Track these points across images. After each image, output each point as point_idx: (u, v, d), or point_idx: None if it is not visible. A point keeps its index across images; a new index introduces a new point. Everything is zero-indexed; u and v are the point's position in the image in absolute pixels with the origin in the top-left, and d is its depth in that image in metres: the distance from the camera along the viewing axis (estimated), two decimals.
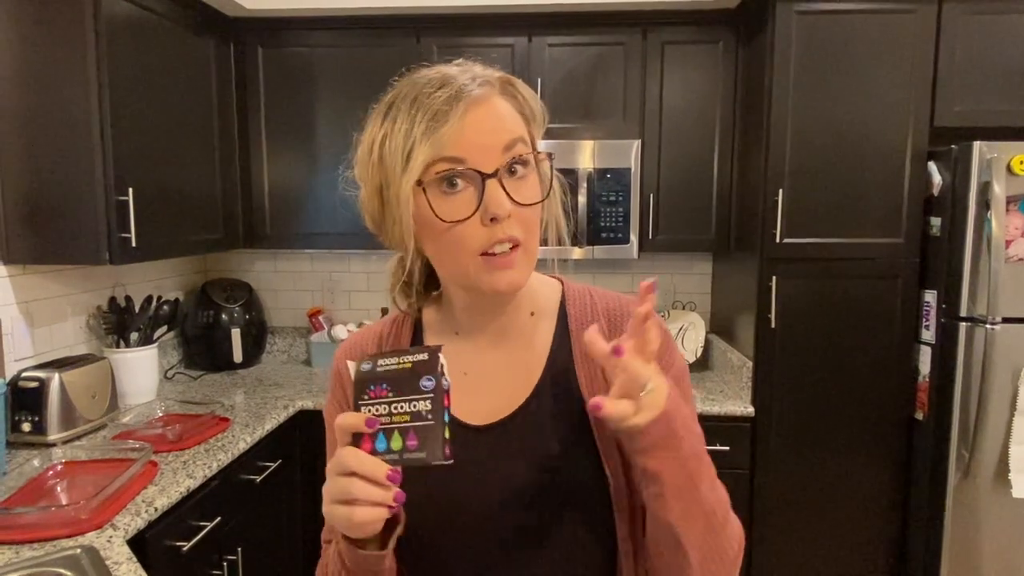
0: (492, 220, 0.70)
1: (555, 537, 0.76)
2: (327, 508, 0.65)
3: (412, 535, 0.76)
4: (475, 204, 0.70)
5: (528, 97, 0.76)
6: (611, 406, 0.63)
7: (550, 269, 0.88)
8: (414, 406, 0.64)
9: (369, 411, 0.65)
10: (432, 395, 0.64)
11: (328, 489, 0.65)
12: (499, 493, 0.76)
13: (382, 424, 0.65)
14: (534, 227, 0.74)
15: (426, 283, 0.86)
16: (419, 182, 0.70)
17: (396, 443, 0.64)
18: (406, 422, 0.64)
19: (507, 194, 0.70)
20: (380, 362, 0.67)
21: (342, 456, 0.64)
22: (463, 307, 0.82)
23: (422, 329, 0.87)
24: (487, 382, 0.81)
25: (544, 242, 0.77)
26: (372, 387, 0.66)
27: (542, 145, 2.50)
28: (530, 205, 0.72)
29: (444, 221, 0.70)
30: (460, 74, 0.71)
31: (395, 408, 0.65)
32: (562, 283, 0.87)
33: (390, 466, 0.63)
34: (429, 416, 0.64)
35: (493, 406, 0.80)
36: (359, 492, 0.63)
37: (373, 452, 0.64)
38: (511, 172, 0.71)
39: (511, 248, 0.71)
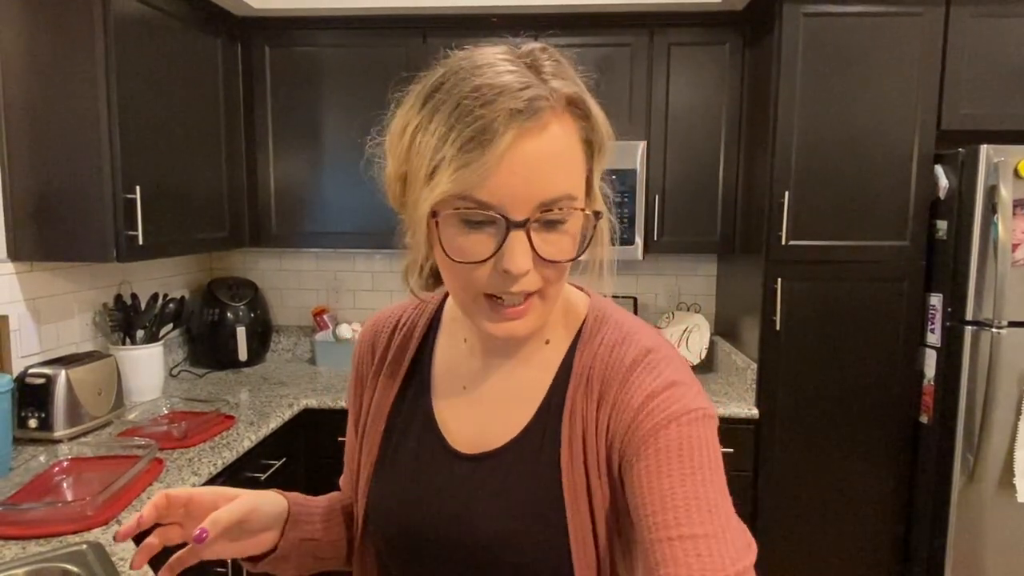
0: (506, 272, 0.61)
1: None
2: None
3: (387, 542, 0.77)
4: (492, 249, 0.61)
5: (599, 122, 0.64)
6: None
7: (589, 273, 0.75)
8: None
9: None
10: None
11: None
12: (465, 529, 0.71)
13: None
14: (557, 279, 0.65)
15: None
16: (434, 213, 0.61)
17: None
18: None
19: (533, 248, 0.61)
20: None
21: None
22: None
23: (439, 324, 0.82)
24: (484, 404, 0.76)
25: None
26: None
27: None
28: (555, 263, 0.63)
29: (454, 260, 0.62)
30: (518, 82, 0.59)
31: None
32: (589, 299, 0.78)
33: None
34: None
35: (483, 433, 0.74)
36: None
37: None
38: (546, 225, 0.62)
39: (525, 297, 0.64)
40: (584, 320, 0.75)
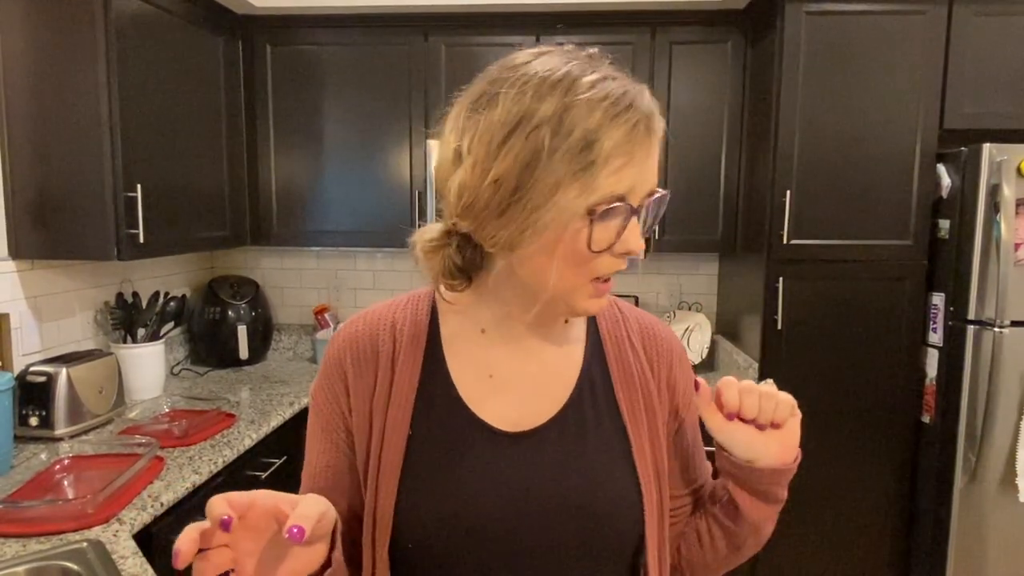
0: (629, 253, 0.69)
1: (578, 559, 0.74)
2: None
3: (424, 546, 0.72)
4: (615, 235, 0.67)
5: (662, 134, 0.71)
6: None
7: None
8: None
9: None
10: None
11: None
12: (526, 505, 0.72)
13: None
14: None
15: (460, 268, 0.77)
16: (591, 211, 0.65)
17: None
18: None
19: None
20: None
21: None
22: (508, 307, 0.77)
23: (437, 320, 0.80)
24: (516, 387, 0.78)
25: None
26: None
27: None
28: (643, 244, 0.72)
29: (592, 251, 0.67)
30: (639, 95, 0.67)
31: None
32: None
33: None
34: None
35: (523, 413, 0.76)
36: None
37: None
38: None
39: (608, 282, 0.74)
40: None
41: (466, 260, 0.74)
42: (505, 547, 0.72)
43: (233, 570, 0.59)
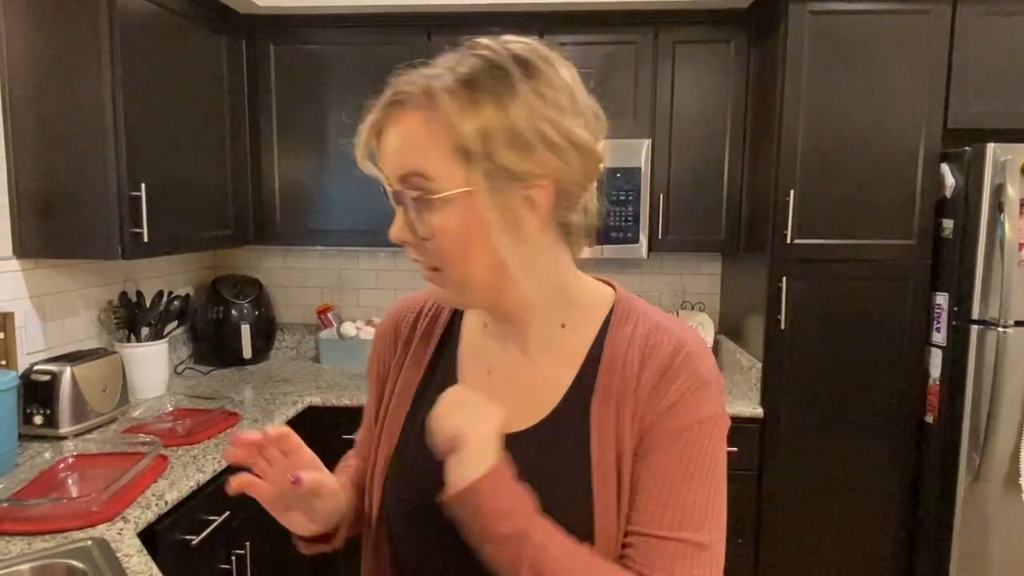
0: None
1: None
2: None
3: (396, 515, 0.79)
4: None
5: (451, 114, 0.65)
6: None
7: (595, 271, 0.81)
8: None
9: None
10: None
11: None
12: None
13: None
14: (450, 259, 0.69)
15: None
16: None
17: None
18: None
19: (404, 222, 0.70)
20: None
21: None
22: None
23: (462, 321, 0.84)
24: (508, 388, 0.77)
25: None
26: None
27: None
28: (403, 242, 0.71)
29: None
30: (412, 73, 0.69)
31: None
32: (615, 292, 0.80)
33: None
34: None
35: (513, 416, 0.75)
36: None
37: None
38: (399, 202, 0.70)
39: (431, 271, 0.72)
40: (612, 310, 0.77)
41: None
42: (453, 542, 0.70)
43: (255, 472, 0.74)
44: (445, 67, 0.67)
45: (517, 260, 0.69)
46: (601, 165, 0.72)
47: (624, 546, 0.70)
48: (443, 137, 0.65)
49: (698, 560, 0.67)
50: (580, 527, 0.69)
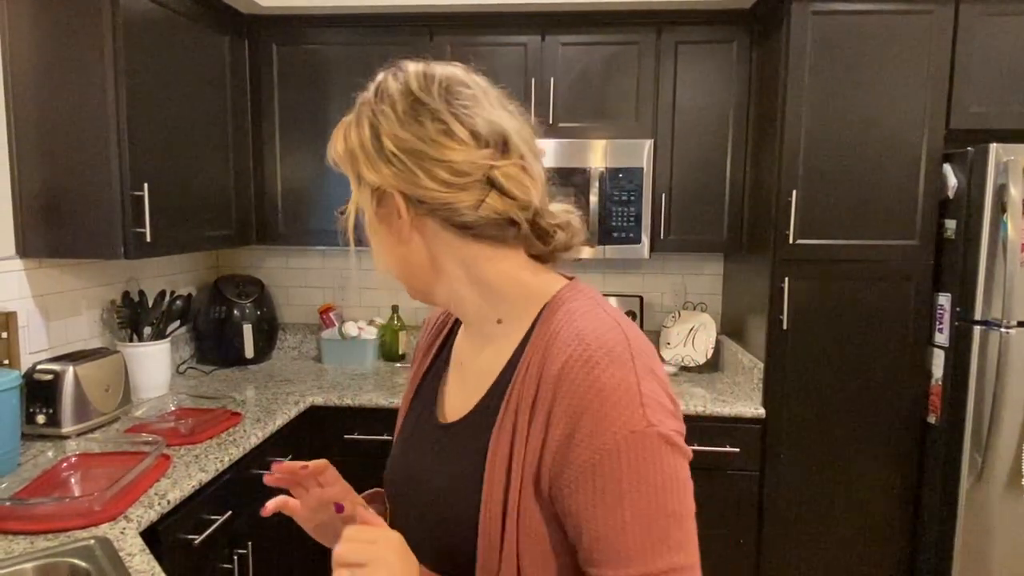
0: None
1: (430, 546, 0.76)
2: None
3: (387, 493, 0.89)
4: None
5: (339, 141, 0.84)
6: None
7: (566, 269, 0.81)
8: None
9: None
10: None
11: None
12: (414, 493, 0.80)
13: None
14: (375, 253, 0.80)
15: None
16: None
17: None
18: None
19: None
20: None
21: None
22: None
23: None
24: (463, 380, 0.82)
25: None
26: None
27: (551, 144, 2.44)
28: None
29: None
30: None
31: None
32: (560, 288, 0.77)
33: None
34: None
35: (453, 406, 0.82)
36: None
37: None
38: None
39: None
40: (544, 306, 0.75)
41: None
42: (409, 516, 0.81)
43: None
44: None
45: (397, 259, 0.78)
46: (463, 166, 0.70)
47: None
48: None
49: None
50: (463, 519, 0.72)
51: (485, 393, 0.77)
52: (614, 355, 0.66)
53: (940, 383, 2.27)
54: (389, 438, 2.34)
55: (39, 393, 1.93)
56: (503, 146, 0.72)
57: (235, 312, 2.83)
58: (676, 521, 0.64)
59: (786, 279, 2.30)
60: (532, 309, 0.76)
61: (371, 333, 2.94)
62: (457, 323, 0.90)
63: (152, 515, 1.52)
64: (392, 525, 0.80)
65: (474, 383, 0.79)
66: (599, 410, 0.64)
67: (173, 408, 2.24)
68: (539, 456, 0.68)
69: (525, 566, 0.69)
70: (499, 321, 0.78)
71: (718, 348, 2.89)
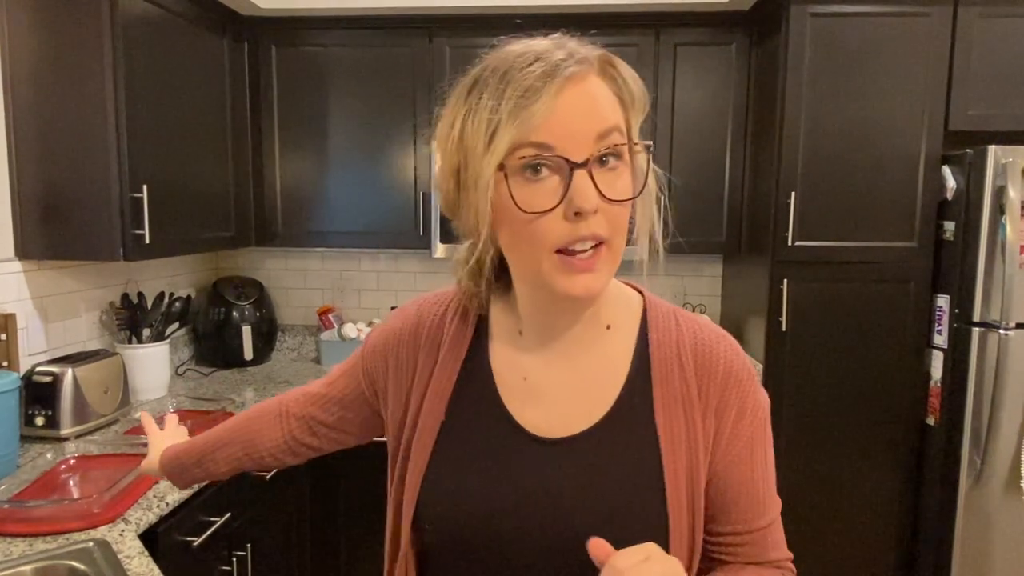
0: (576, 215, 0.63)
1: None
2: None
3: (440, 529, 0.75)
4: (560, 195, 0.63)
5: (629, 79, 0.69)
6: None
7: (638, 271, 0.79)
8: None
9: None
10: None
11: None
12: (540, 513, 0.71)
13: None
14: (622, 226, 0.67)
15: (496, 276, 0.78)
16: (501, 166, 0.64)
17: None
18: None
19: (596, 187, 0.63)
20: None
21: None
22: (531, 307, 0.75)
23: (488, 327, 0.80)
24: (553, 393, 0.75)
25: (632, 243, 0.71)
26: None
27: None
28: (620, 202, 0.65)
29: (524, 212, 0.64)
30: (555, 49, 0.65)
31: None
32: (643, 296, 0.80)
33: None
34: None
35: (561, 420, 0.74)
36: None
37: None
38: (602, 163, 0.64)
39: (593, 248, 0.65)
40: (645, 309, 0.79)
41: (492, 264, 0.75)
42: (513, 548, 0.72)
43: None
44: (578, 48, 0.68)
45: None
46: None
47: (733, 544, 0.77)
48: (620, 100, 0.69)
49: (780, 521, 0.81)
50: (655, 526, 0.71)
51: (616, 400, 0.74)
52: (736, 344, 0.79)
53: (939, 385, 2.28)
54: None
55: (38, 395, 1.92)
56: None
57: (234, 314, 2.82)
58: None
59: (785, 281, 2.31)
60: (635, 313, 0.78)
61: None
62: (478, 333, 0.80)
63: (151, 517, 1.52)
64: (487, 549, 0.73)
65: (580, 394, 0.75)
66: (755, 391, 0.76)
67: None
68: (712, 443, 0.74)
69: (697, 549, 0.76)
70: (608, 327, 0.77)
71: None
